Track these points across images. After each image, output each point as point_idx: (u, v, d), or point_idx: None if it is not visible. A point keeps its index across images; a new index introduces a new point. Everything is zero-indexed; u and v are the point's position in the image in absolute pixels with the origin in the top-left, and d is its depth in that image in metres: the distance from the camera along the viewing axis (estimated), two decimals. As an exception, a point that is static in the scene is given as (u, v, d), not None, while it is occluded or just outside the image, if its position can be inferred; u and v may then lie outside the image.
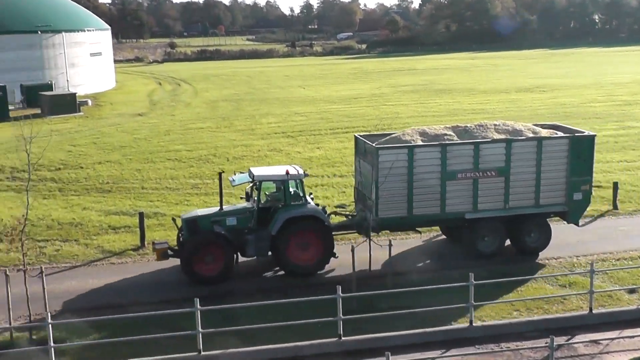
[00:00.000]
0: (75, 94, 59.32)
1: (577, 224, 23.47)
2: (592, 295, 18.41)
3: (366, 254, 20.97)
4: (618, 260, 22.65)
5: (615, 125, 46.52)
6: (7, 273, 18.14)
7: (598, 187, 30.89)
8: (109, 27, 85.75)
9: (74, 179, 34.36)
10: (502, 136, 22.34)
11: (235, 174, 23.94)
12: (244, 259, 21.98)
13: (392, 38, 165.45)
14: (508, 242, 23.04)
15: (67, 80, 69.59)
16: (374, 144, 21.74)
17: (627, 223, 26.70)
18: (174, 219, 23.09)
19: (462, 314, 18.42)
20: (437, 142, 21.84)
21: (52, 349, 15.68)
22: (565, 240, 24.18)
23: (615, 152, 38.08)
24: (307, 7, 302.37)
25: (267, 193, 22.29)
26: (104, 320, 17.36)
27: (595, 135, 23.11)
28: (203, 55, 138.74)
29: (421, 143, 21.94)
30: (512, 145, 21.92)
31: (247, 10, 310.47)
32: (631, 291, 20.06)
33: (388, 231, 23.40)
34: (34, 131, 19.48)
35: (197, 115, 55.72)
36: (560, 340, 17.03)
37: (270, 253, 21.54)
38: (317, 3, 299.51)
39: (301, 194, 21.78)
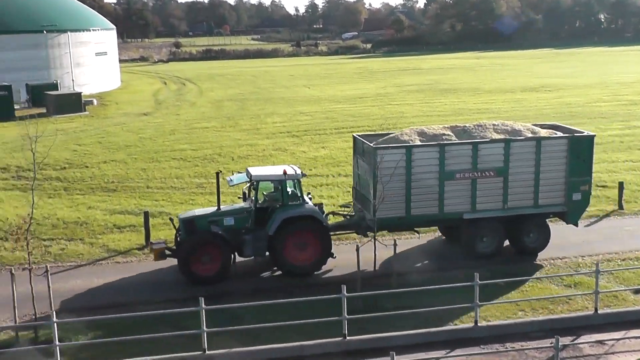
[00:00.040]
0: (80, 93, 59.42)
1: (576, 225, 23.33)
2: (597, 295, 18.36)
3: (368, 254, 20.92)
4: (623, 260, 22.59)
5: (621, 125, 46.41)
6: (13, 272, 18.18)
7: (603, 186, 30.90)
8: (114, 26, 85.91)
9: (79, 178, 34.42)
10: (501, 136, 22.23)
11: (233, 174, 23.91)
12: (242, 259, 21.98)
13: (397, 37, 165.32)
14: (507, 242, 22.98)
15: (73, 80, 69.70)
16: (372, 144, 21.67)
17: (633, 223, 26.62)
18: (171, 219, 23.09)
19: (467, 313, 18.40)
20: (435, 142, 21.76)
21: (57, 347, 15.71)
22: (570, 240, 24.14)
23: (621, 152, 38.00)
24: (312, 6, 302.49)
25: (264, 193, 22.24)
26: (108, 319, 17.37)
27: (594, 135, 22.98)
28: (208, 55, 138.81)
29: (419, 143, 21.87)
30: (511, 145, 21.81)
31: (252, 9, 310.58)
32: (637, 291, 20.00)
33: (386, 231, 23.31)
34: (40, 130, 19.49)
35: (202, 114, 55.76)
36: (565, 340, 16.99)
37: (267, 253, 21.51)
38: (322, 3, 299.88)
39: (299, 194, 21.71)
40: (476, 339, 17.42)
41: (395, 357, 13.83)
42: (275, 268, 21.94)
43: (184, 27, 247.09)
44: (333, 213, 24.58)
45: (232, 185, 23.47)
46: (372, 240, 20.76)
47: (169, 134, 45.90)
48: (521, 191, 22.17)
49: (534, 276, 21.18)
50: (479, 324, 17.73)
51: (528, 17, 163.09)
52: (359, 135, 23.49)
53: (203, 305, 16.10)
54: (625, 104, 55.94)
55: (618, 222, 26.81)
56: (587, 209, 27.38)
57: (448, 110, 54.55)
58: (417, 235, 24.11)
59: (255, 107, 59.23)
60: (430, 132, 22.62)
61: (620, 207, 28.13)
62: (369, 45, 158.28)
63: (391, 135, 23.24)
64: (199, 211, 22.42)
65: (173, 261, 21.70)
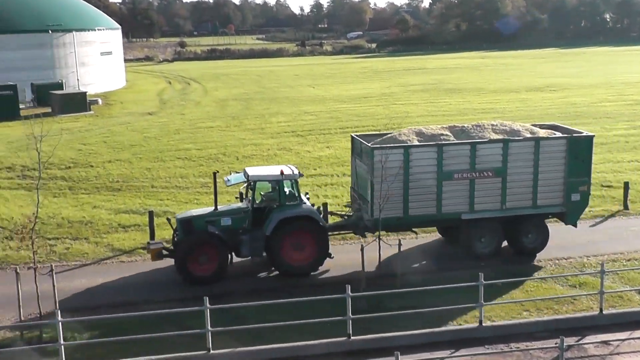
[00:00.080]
0: (85, 92, 59.49)
1: (574, 226, 23.18)
2: (602, 295, 18.33)
3: (370, 254, 20.89)
4: (629, 260, 22.53)
5: (626, 124, 46.30)
6: (18, 271, 18.25)
7: (609, 187, 30.84)
8: (119, 26, 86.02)
9: (84, 177, 34.47)
10: (500, 136, 22.14)
11: (230, 174, 23.88)
12: (239, 259, 21.98)
13: (402, 37, 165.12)
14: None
15: (78, 79, 69.82)
16: (369, 144, 21.61)
17: (638, 223, 26.54)
18: (168, 219, 23.10)
19: (471, 313, 18.39)
20: (433, 142, 21.69)
21: (62, 346, 15.74)
22: (575, 240, 24.10)
23: (626, 152, 37.91)
24: (317, 6, 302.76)
25: (262, 193, 22.19)
26: (113, 318, 17.39)
27: (593, 135, 22.88)
28: (213, 55, 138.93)
29: (417, 143, 21.81)
30: (509, 146, 21.73)
31: (257, 9, 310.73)
32: (642, 292, 19.97)
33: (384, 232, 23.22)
34: (45, 130, 19.54)
35: (207, 114, 55.80)
36: (570, 340, 16.96)
37: (264, 253, 21.48)
38: (327, 2, 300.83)
39: (296, 194, 21.67)
40: (481, 339, 17.40)
41: (399, 357, 13.82)
42: (273, 268, 21.90)
43: (188, 26, 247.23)
44: (331, 213, 24.54)
45: (230, 185, 23.41)
46: (377, 240, 20.75)
47: (173, 134, 45.95)
48: (520, 191, 22.07)
49: (539, 276, 21.14)
50: (483, 324, 17.72)
51: (533, 17, 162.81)
52: (357, 135, 23.44)
53: (208, 305, 16.11)
54: (631, 104, 55.81)
55: (623, 222, 26.75)
56: (593, 209, 27.48)
57: (453, 110, 54.49)
58: (415, 235, 24.05)
59: (260, 106, 59.25)
60: (428, 132, 22.53)
61: (626, 207, 28.06)
62: (373, 45, 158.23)
63: (389, 135, 23.17)
64: (196, 211, 22.41)
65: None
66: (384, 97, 63.77)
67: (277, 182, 21.44)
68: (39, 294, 17.85)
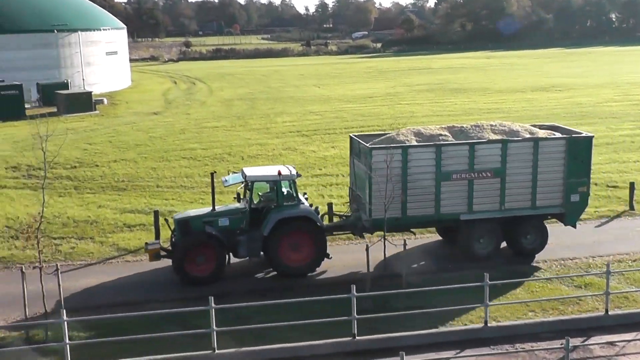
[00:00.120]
0: (91, 92, 59.61)
1: (574, 226, 23.07)
2: (608, 296, 18.27)
3: (374, 254, 20.87)
4: (634, 261, 22.45)
5: (632, 125, 46.17)
6: (23, 270, 18.28)
7: (614, 187, 30.76)
8: (124, 26, 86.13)
9: (90, 177, 34.53)
10: (499, 137, 22.04)
11: (228, 174, 23.87)
12: (236, 259, 21.96)
13: (407, 37, 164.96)
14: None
15: (83, 79, 69.98)
16: (367, 144, 21.55)
17: (644, 224, 26.50)
18: (166, 220, 23.10)
19: (477, 314, 18.36)
20: (431, 143, 21.61)
21: (67, 345, 15.76)
22: (581, 240, 24.04)
23: (632, 152, 37.79)
24: (322, 6, 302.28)
25: (259, 194, 22.15)
26: (118, 318, 17.42)
27: (592, 136, 22.75)
28: (218, 54, 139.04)
29: (415, 143, 21.74)
30: (508, 146, 21.62)
31: (262, 9, 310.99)
32: (648, 292, 19.91)
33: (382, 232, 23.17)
34: (50, 129, 19.58)
35: (212, 114, 55.84)
36: (575, 341, 16.91)
37: (262, 254, 21.44)
38: (332, 2, 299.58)
39: (294, 195, 21.62)
40: (486, 340, 17.37)
41: (405, 357, 13.81)
42: (270, 269, 21.86)
43: (194, 26, 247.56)
44: (328, 213, 24.49)
45: (227, 186, 23.37)
46: (382, 240, 20.72)
47: (179, 133, 45.99)
48: (518, 192, 21.96)
49: (544, 277, 21.10)
50: (488, 325, 17.68)
51: (539, 17, 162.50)
52: (355, 136, 23.39)
53: (213, 305, 16.12)
54: (637, 104, 55.65)
55: (629, 222, 26.67)
56: (598, 210, 27.44)
57: (458, 110, 54.42)
58: (414, 236, 24.01)
59: (265, 106, 59.28)
60: (427, 132, 22.45)
61: (631, 207, 27.98)
62: (379, 45, 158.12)
63: (387, 135, 23.10)
64: (193, 212, 22.39)
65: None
66: (389, 97, 63.73)
67: (274, 183, 21.39)
68: (44, 293, 17.88)
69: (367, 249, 19.94)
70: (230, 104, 62.08)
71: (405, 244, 20.29)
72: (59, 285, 17.91)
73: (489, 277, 17.40)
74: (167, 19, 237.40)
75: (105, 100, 63.29)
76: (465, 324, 18.08)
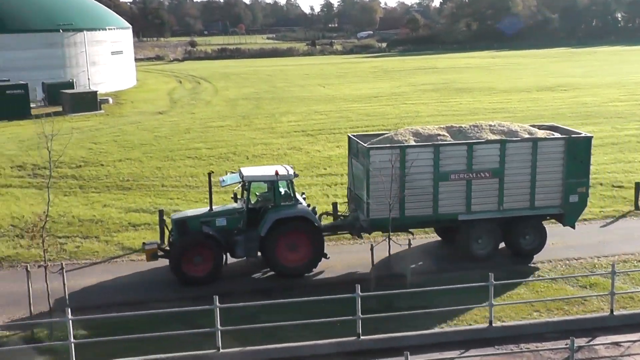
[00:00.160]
0: (96, 92, 59.68)
1: (573, 227, 22.98)
2: (613, 296, 18.23)
3: (377, 254, 20.84)
4: (640, 261, 22.43)
5: (638, 124, 46.03)
6: (28, 269, 18.31)
7: (620, 187, 30.67)
8: (130, 25, 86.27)
9: (95, 176, 34.59)
10: (497, 137, 21.97)
11: (226, 174, 23.84)
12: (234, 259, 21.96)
13: (412, 37, 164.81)
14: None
15: (88, 79, 70.07)
16: (365, 144, 21.50)
17: (649, 224, 26.43)
18: (164, 220, 23.08)
19: (481, 314, 18.34)
20: (429, 143, 21.56)
21: (72, 344, 15.80)
22: (586, 241, 24.00)
23: (638, 152, 37.69)
24: (328, 5, 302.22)
25: (257, 194, 22.11)
26: (123, 317, 17.45)
27: (592, 136, 22.67)
28: (223, 54, 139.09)
29: (414, 143, 21.69)
30: (507, 146, 21.55)
31: (268, 8, 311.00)
32: (653, 293, 19.85)
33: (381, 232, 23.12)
34: (55, 129, 19.58)
35: (217, 113, 55.88)
36: (580, 341, 16.86)
37: (259, 254, 21.42)
38: (338, 1, 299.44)
39: (291, 195, 21.59)
40: (490, 340, 17.34)
41: (409, 357, 13.80)
42: (267, 269, 21.84)
43: (199, 26, 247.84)
44: (327, 213, 24.47)
45: (225, 186, 23.33)
46: (387, 239, 20.70)
47: (184, 133, 46.03)
48: (517, 192, 21.88)
49: (549, 277, 21.06)
50: (493, 325, 17.66)
51: (544, 16, 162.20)
52: (353, 135, 23.34)
53: (217, 304, 16.13)
54: (642, 104, 55.55)
55: (634, 222, 26.60)
56: (604, 210, 27.39)
57: (463, 109, 54.35)
58: (412, 236, 23.95)
59: (270, 106, 59.29)
60: (425, 132, 22.37)
61: (637, 207, 27.91)
62: (384, 45, 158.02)
63: (385, 135, 23.04)
64: (191, 212, 22.38)
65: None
66: (394, 97, 63.69)
67: (271, 183, 21.36)
68: (49, 292, 17.92)
69: (371, 249, 19.91)
70: (235, 103, 62.11)
71: (410, 243, 20.27)
72: (64, 284, 17.95)
73: (494, 277, 17.38)
74: (173, 19, 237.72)
75: (111, 100, 63.38)
76: (470, 324, 18.06)
